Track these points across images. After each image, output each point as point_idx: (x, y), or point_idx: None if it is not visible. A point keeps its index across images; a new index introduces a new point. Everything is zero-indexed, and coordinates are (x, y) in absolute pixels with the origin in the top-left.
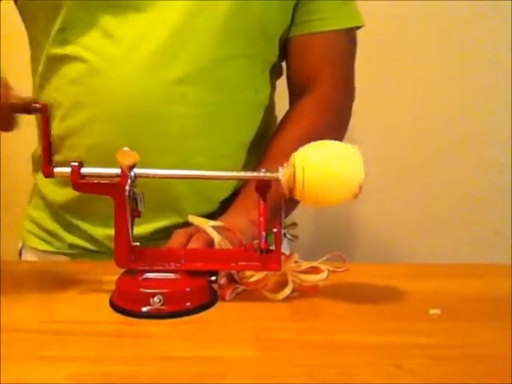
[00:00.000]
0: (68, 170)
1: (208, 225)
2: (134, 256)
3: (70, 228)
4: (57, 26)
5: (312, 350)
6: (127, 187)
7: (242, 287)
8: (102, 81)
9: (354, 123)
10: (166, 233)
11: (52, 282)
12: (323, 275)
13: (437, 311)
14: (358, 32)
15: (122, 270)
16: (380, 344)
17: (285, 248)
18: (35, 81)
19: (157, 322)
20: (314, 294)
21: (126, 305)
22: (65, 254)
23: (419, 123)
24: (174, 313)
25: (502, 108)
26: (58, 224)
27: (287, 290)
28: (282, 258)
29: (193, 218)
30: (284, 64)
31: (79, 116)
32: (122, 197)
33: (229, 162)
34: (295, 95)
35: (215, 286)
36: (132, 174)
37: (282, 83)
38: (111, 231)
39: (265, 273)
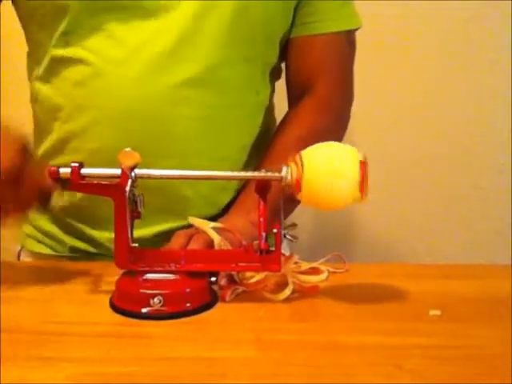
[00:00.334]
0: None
1: (208, 226)
2: (133, 257)
3: (70, 231)
4: (61, 29)
5: (312, 350)
6: (127, 188)
7: (241, 288)
8: (105, 83)
9: (354, 123)
10: (169, 235)
11: (52, 282)
12: (323, 276)
13: (437, 312)
14: (358, 32)
15: (122, 271)
16: (380, 344)
17: (284, 249)
18: (33, 84)
19: (157, 323)
20: (314, 294)
21: (126, 306)
22: (65, 257)
23: (419, 123)
24: (174, 314)
25: (502, 108)
26: (58, 227)
27: (287, 291)
28: (282, 258)
29: (193, 220)
30: (283, 65)
31: (82, 119)
32: (122, 198)
33: (230, 164)
34: (294, 97)
35: (215, 287)
36: (133, 174)
37: (281, 85)
38: (112, 234)
39: (265, 274)
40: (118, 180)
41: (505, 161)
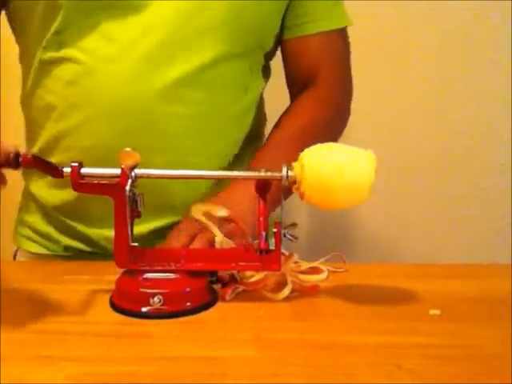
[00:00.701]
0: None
1: (216, 213)
2: (133, 256)
3: (65, 230)
4: (53, 28)
5: (312, 350)
6: (127, 187)
7: (241, 287)
8: (96, 81)
9: (354, 123)
10: (162, 232)
11: (52, 282)
12: (323, 275)
13: (437, 312)
14: (359, 32)
15: (122, 270)
16: (380, 344)
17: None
18: (26, 84)
19: (157, 322)
20: (314, 294)
21: (125, 305)
22: (60, 257)
23: (419, 123)
24: (173, 313)
25: (503, 108)
26: (52, 226)
27: (287, 291)
28: (282, 258)
29: (198, 215)
30: (272, 63)
31: (74, 117)
32: (122, 197)
33: (222, 159)
34: (296, 91)
35: (216, 286)
36: (132, 174)
37: (277, 85)
38: (107, 232)
39: (265, 273)
40: (117, 179)
41: (505, 161)
